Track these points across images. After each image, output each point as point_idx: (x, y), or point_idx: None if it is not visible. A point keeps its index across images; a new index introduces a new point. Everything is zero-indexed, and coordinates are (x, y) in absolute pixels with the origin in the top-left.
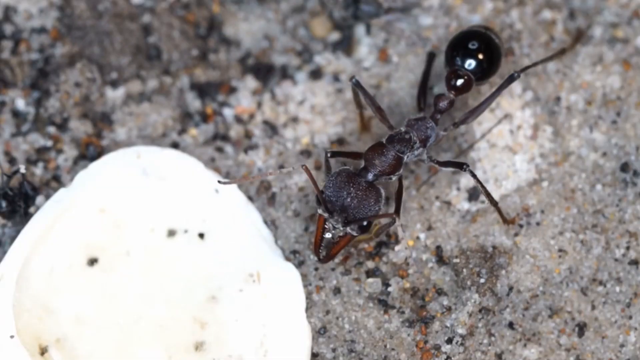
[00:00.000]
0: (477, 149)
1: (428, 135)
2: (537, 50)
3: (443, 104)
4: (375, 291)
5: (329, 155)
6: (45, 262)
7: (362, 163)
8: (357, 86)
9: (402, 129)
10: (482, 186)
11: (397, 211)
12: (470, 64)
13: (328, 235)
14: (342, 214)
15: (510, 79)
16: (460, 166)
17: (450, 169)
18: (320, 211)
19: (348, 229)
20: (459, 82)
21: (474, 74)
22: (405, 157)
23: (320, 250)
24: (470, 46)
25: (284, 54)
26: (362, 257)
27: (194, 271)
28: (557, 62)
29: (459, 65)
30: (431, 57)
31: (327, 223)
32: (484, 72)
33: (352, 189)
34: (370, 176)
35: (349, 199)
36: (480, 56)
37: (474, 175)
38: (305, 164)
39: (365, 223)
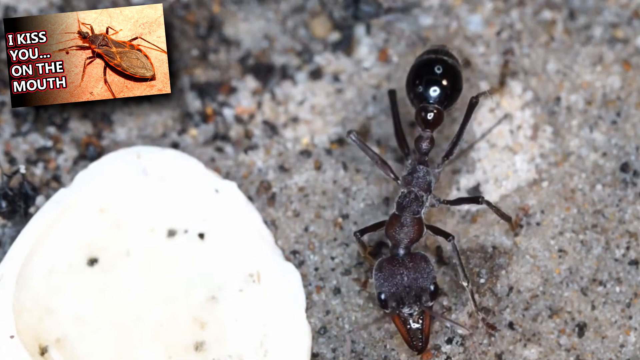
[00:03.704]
0: (477, 149)
1: (428, 182)
2: (537, 50)
3: (425, 145)
4: (375, 291)
5: (358, 235)
6: (45, 262)
7: (389, 242)
8: (356, 141)
9: (404, 191)
10: (497, 209)
11: (447, 234)
12: (435, 96)
13: (415, 325)
14: (410, 295)
15: (471, 104)
16: (476, 200)
17: (465, 205)
18: (390, 311)
19: (423, 305)
20: (430, 116)
21: (441, 103)
22: (423, 215)
23: (414, 343)
24: (432, 76)
25: (284, 54)
26: (362, 258)
27: (194, 271)
28: (557, 62)
29: (426, 100)
30: (392, 94)
31: (402, 315)
32: (450, 98)
33: (400, 269)
34: (402, 251)
35: (405, 278)
36: (444, 82)
37: (489, 204)
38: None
39: (432, 288)
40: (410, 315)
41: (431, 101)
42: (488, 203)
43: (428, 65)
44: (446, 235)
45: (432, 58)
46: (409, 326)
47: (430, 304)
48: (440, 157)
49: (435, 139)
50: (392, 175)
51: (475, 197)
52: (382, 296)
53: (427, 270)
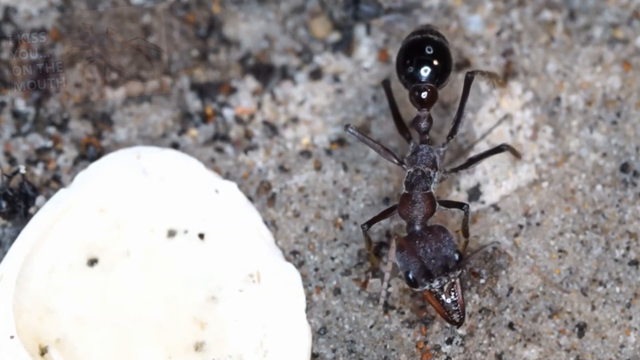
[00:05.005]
0: (477, 149)
1: (433, 158)
2: (537, 50)
3: (423, 124)
4: (375, 291)
5: (365, 228)
6: (45, 262)
7: (404, 223)
8: (354, 133)
9: (411, 170)
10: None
11: (461, 204)
12: (427, 75)
13: (448, 299)
14: (436, 266)
15: (467, 80)
16: (500, 150)
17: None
18: (420, 288)
19: (451, 275)
20: (424, 95)
21: (433, 81)
22: (433, 190)
23: (451, 316)
24: (422, 56)
25: (284, 55)
26: (362, 258)
27: (194, 271)
28: (557, 62)
29: (418, 80)
30: (387, 84)
31: (432, 289)
32: (442, 75)
33: (421, 244)
34: (418, 227)
35: (429, 251)
36: (435, 62)
37: (509, 147)
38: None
39: (457, 256)
40: (441, 288)
41: (423, 80)
42: (508, 147)
43: (416, 46)
44: (460, 205)
45: (418, 39)
46: (442, 300)
47: (458, 272)
48: (445, 136)
49: (432, 117)
50: (396, 161)
51: (497, 147)
52: (410, 275)
53: (448, 239)
